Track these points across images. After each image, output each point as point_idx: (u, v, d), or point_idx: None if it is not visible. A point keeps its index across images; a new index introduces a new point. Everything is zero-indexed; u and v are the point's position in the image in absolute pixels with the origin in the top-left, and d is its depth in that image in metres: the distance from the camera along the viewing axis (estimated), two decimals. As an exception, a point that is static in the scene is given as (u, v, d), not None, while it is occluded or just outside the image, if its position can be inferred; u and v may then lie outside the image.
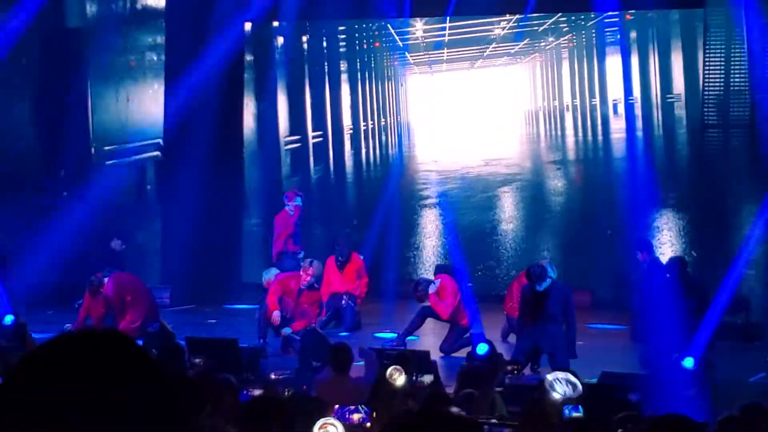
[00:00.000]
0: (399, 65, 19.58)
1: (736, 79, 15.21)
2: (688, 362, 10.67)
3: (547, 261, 12.36)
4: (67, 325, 12.02)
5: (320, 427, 5.00)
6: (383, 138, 19.52)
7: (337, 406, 6.45)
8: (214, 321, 14.71)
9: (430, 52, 19.05)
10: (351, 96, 19.30)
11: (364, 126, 19.36)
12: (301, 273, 13.10)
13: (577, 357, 11.22)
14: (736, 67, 15.17)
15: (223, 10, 15.94)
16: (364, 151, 19.29)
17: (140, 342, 9.04)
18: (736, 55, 15.16)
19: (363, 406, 6.56)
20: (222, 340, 11.11)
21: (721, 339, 13.09)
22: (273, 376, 10.28)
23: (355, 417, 6.45)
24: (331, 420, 5.21)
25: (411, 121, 19.34)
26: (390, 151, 19.65)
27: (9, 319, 12.18)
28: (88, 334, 1.31)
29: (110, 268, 13.37)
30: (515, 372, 8.62)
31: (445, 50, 18.88)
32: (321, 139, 19.05)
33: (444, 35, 18.52)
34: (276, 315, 12.72)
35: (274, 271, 13.56)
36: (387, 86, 19.69)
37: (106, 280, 12.81)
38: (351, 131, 19.26)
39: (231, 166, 16.69)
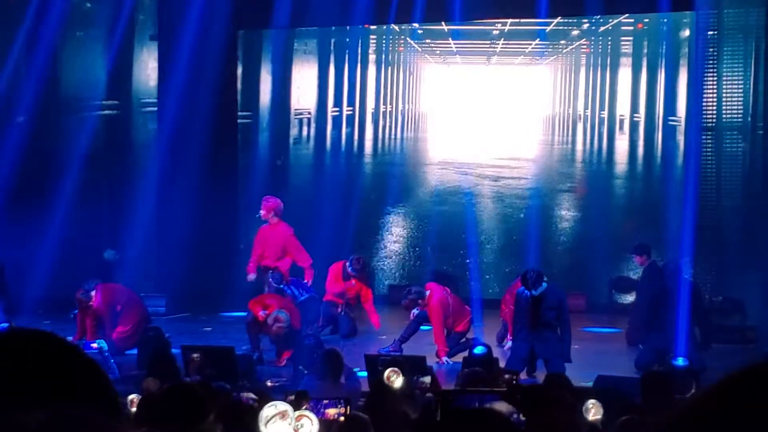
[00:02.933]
0: (406, 52, 18.72)
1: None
2: (679, 361, 10.73)
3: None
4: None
5: (296, 419, 5.03)
6: (372, 126, 18.82)
7: (312, 400, 6.47)
8: (209, 329, 14.70)
9: (436, 41, 18.35)
10: (319, 78, 18.34)
11: (335, 112, 18.51)
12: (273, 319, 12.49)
13: (571, 361, 11.25)
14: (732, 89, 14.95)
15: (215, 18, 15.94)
16: (333, 138, 18.51)
17: (134, 350, 9.00)
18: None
19: (340, 401, 6.57)
20: (218, 348, 11.13)
21: (717, 342, 13.16)
22: (269, 383, 10.32)
23: (331, 412, 6.46)
24: (306, 413, 5.25)
25: (423, 111, 18.69)
26: (379, 142, 18.95)
27: (2, 327, 12.19)
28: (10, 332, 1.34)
29: (94, 279, 13.22)
30: (513, 382, 8.64)
31: (452, 41, 18.20)
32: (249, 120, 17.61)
33: (441, 24, 17.93)
34: (262, 314, 12.55)
35: None
36: (386, 72, 18.92)
37: (93, 293, 12.80)
38: (309, 116, 18.40)
39: (225, 173, 16.69)
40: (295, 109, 18.42)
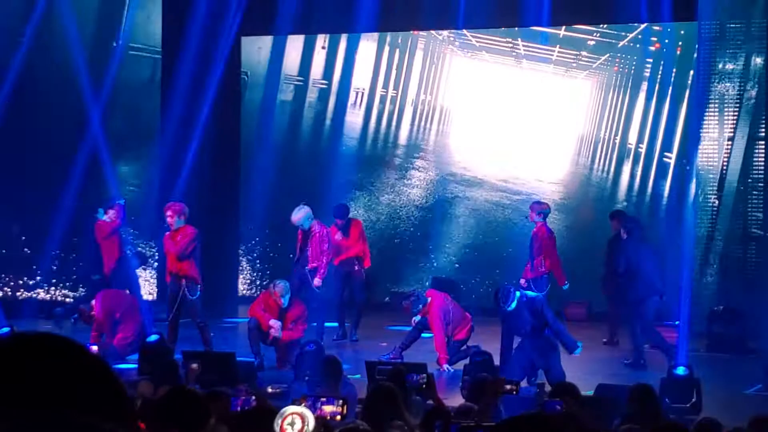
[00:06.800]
0: (428, 39, 18.06)
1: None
2: (680, 370, 10.72)
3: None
4: None
5: (291, 413, 5.02)
6: (363, 109, 18.26)
7: (309, 397, 6.45)
8: (210, 335, 14.68)
9: (449, 29, 17.69)
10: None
11: (299, 81, 18.20)
12: (270, 295, 12.60)
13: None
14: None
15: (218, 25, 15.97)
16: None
17: (135, 356, 8.99)
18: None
19: (338, 400, 6.54)
20: (218, 354, 11.13)
21: (717, 351, 13.17)
22: (269, 390, 10.32)
23: (327, 409, 6.44)
24: (303, 410, 5.23)
25: (444, 105, 18.05)
26: (370, 127, 18.40)
27: (4, 331, 12.22)
28: (24, 337, 1.35)
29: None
30: (514, 392, 8.66)
31: (467, 32, 17.57)
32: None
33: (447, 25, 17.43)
34: (274, 323, 12.47)
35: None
36: (390, 53, 18.31)
37: (93, 302, 12.85)
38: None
39: (227, 177, 16.72)
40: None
